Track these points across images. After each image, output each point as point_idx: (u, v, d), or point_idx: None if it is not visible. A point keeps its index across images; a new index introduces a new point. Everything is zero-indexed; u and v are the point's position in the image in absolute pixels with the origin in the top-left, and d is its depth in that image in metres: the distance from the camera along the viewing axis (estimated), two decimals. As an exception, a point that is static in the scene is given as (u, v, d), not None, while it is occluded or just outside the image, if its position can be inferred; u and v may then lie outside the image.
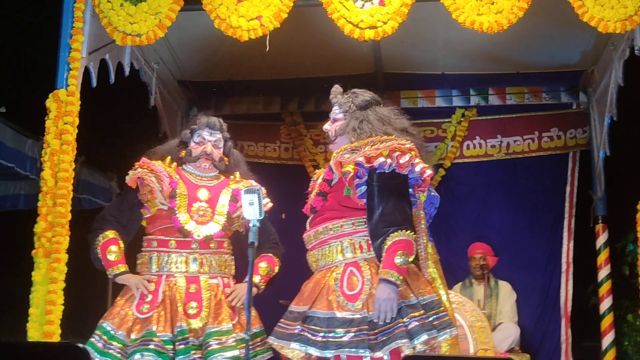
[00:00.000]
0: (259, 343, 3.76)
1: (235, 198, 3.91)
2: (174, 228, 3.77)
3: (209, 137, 3.96)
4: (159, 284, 3.73)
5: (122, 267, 3.79)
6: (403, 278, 3.15)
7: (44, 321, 4.33)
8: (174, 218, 3.77)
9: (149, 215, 3.85)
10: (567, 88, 6.96)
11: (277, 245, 4.04)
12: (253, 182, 3.96)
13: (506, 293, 6.43)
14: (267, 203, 3.88)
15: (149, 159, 3.92)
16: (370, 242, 3.26)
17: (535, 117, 7.10)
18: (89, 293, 6.43)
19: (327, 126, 3.56)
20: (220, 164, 3.99)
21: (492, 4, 4.59)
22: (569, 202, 6.90)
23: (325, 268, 3.35)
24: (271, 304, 5.24)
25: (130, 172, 3.86)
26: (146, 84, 6.02)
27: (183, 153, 3.98)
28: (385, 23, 4.65)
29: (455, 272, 6.57)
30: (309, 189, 3.56)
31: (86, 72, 4.91)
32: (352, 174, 3.26)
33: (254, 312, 3.83)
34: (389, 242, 3.15)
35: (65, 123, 4.63)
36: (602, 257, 6.39)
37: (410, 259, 3.20)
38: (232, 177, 4.02)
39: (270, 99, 7.23)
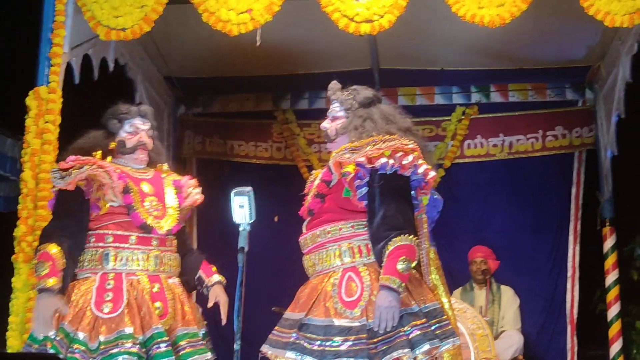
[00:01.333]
0: (202, 342, 3.64)
1: (179, 190, 3.81)
2: (132, 223, 3.60)
3: (142, 127, 3.78)
4: (120, 282, 3.52)
5: (52, 282, 3.38)
6: (405, 285, 3.06)
7: (25, 330, 4.26)
8: (134, 214, 3.58)
9: (95, 214, 3.61)
10: (572, 84, 6.92)
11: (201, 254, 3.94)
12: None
13: (509, 298, 6.35)
14: (197, 194, 3.81)
15: (74, 154, 3.67)
16: (369, 246, 3.17)
17: (539, 115, 7.04)
18: (72, 301, 6.31)
19: (325, 124, 3.46)
20: (152, 154, 3.86)
21: (494, -4, 4.57)
22: (574, 203, 6.86)
23: (323, 273, 3.25)
24: (264, 312, 5.14)
25: (74, 172, 3.53)
26: (131, 81, 5.98)
27: (113, 145, 3.76)
28: (381, 16, 4.61)
29: (456, 276, 6.46)
30: (306, 191, 3.46)
31: (68, 68, 4.88)
32: (352, 174, 3.16)
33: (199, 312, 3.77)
34: (390, 247, 3.05)
35: (47, 122, 4.60)
36: (610, 261, 6.34)
37: (413, 265, 3.11)
38: (163, 168, 3.89)
39: (262, 96, 7.20)
